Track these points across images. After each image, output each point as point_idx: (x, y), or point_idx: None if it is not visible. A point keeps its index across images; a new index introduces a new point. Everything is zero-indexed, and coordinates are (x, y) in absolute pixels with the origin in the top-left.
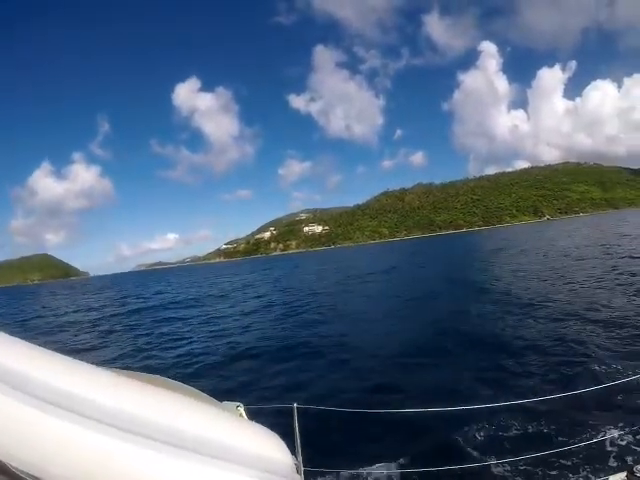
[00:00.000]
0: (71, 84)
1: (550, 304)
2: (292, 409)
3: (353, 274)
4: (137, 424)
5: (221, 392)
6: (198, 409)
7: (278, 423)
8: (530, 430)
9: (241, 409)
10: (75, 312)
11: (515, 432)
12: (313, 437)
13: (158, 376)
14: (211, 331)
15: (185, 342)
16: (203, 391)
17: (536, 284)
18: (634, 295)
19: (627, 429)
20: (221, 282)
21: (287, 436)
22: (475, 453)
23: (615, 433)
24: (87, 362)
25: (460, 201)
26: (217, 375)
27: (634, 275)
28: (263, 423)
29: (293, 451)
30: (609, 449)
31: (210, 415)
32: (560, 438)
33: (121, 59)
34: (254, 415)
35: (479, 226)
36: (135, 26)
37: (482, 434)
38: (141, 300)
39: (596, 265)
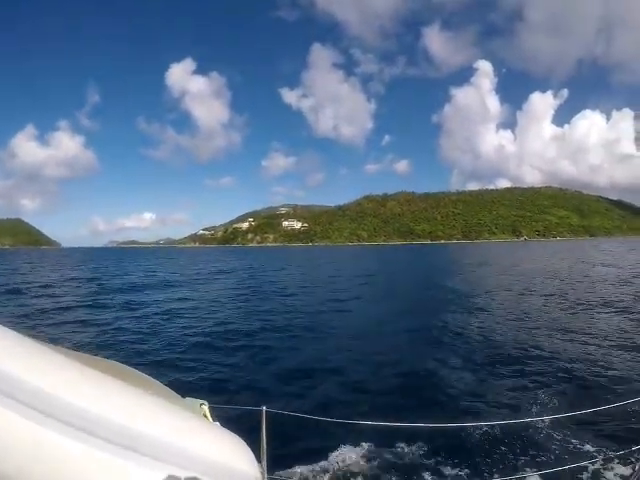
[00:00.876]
0: (64, 49)
1: (538, 319)
2: (260, 412)
3: (345, 274)
4: (77, 417)
5: (185, 385)
6: (154, 405)
7: (243, 426)
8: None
9: (205, 407)
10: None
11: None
12: (281, 444)
13: (114, 362)
14: (197, 316)
15: (166, 325)
16: (165, 383)
17: (524, 299)
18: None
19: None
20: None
21: (252, 441)
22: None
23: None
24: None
25: (441, 213)
26: (184, 364)
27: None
28: (227, 425)
29: (258, 458)
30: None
31: (168, 413)
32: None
33: (119, 30)
34: (218, 416)
35: (457, 239)
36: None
37: (468, 454)
38: (136, 277)
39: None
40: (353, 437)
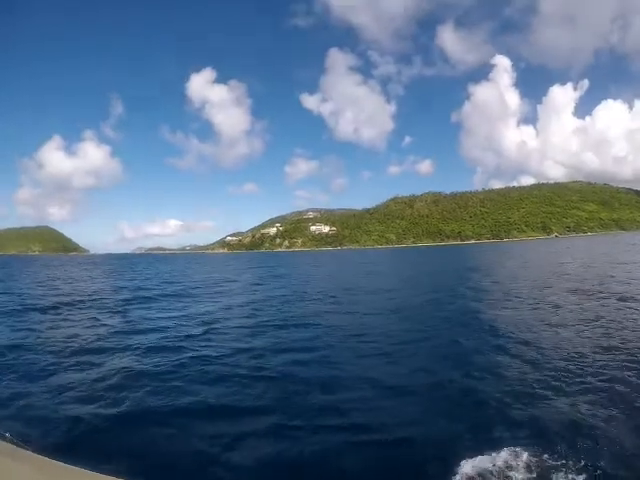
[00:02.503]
0: (89, 62)
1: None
2: None
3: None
4: None
5: None
6: None
7: None
8: None
9: None
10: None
11: None
12: None
13: None
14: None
15: None
16: None
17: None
18: None
19: None
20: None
21: None
22: None
23: None
24: None
25: (469, 212)
26: None
27: None
28: None
29: None
30: None
31: None
32: None
33: (141, 44)
34: None
35: (487, 239)
36: (157, 13)
37: None
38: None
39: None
40: None
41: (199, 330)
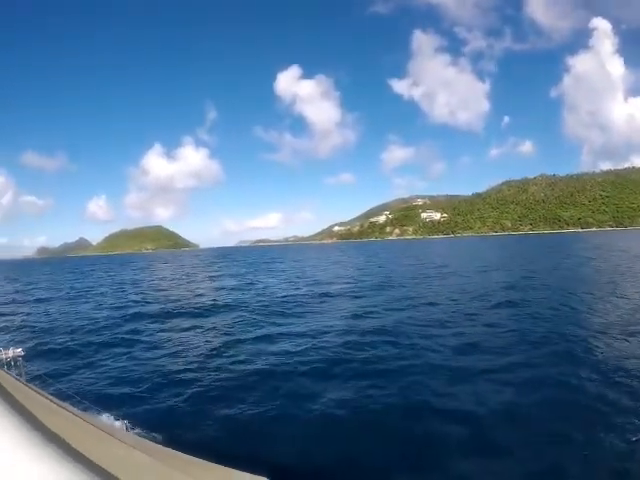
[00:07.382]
0: (181, 73)
1: None
2: None
3: None
4: None
5: None
6: None
7: None
8: None
9: None
10: None
11: None
12: None
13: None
14: None
15: None
16: None
17: None
18: None
19: None
20: None
21: None
22: None
23: None
24: None
25: (587, 197)
26: None
27: None
28: None
29: None
30: None
31: None
32: None
33: (226, 50)
34: None
35: (610, 226)
36: (239, 19)
37: None
38: None
39: None
40: None
41: None
